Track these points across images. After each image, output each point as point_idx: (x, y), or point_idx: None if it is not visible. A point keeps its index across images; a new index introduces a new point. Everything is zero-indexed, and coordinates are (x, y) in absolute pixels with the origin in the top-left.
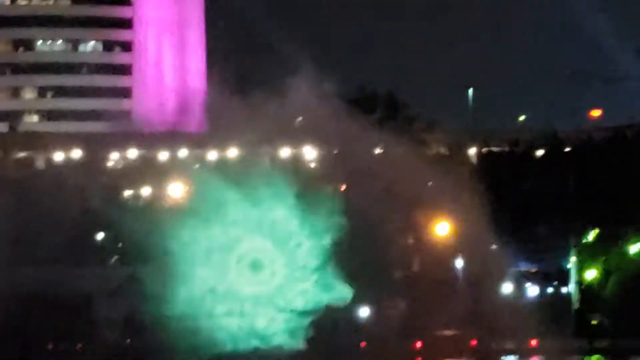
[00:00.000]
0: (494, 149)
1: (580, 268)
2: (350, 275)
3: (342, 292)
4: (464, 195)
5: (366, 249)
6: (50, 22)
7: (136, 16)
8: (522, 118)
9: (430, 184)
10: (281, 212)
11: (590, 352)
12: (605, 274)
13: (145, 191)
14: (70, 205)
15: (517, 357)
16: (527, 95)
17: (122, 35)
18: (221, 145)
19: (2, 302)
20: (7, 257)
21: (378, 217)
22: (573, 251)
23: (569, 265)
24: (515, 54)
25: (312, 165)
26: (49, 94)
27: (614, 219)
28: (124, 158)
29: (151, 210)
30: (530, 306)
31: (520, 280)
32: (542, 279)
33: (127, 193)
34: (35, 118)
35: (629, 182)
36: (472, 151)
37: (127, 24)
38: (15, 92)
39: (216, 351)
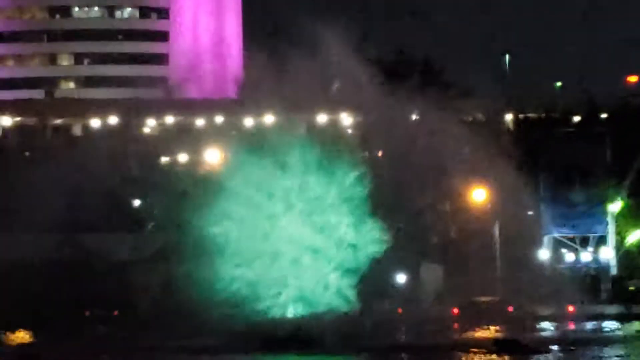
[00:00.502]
0: (531, 115)
1: (618, 234)
2: (388, 241)
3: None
4: (500, 161)
5: (403, 215)
6: None
7: None
8: (558, 84)
9: (466, 150)
10: (317, 178)
11: (628, 318)
12: None
13: (182, 158)
14: (107, 172)
15: (553, 323)
16: (563, 61)
17: (158, 1)
18: (257, 111)
19: (40, 268)
20: (43, 224)
21: (415, 184)
22: (610, 217)
23: (606, 232)
24: (552, 19)
25: (349, 131)
26: (85, 61)
27: None
28: (160, 124)
29: (187, 176)
30: (566, 272)
31: (556, 246)
32: (579, 245)
33: (164, 159)
34: (71, 85)
35: None
36: (509, 117)
37: None
38: (52, 59)
39: (254, 317)
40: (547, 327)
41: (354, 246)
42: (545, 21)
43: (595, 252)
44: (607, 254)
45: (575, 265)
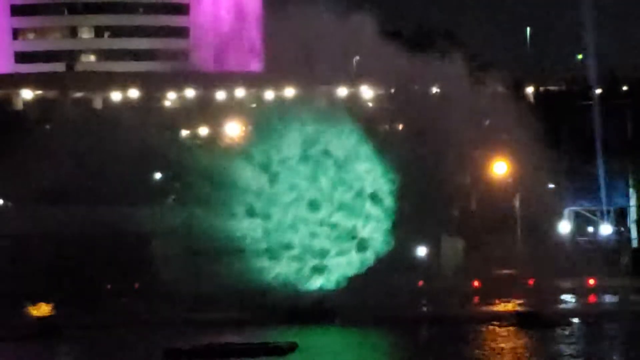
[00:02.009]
0: (551, 87)
1: (639, 207)
2: (408, 214)
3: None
4: (521, 134)
5: (424, 187)
6: None
7: None
8: (579, 57)
9: (487, 122)
10: (338, 150)
11: None
12: None
13: (203, 131)
14: (128, 145)
15: (574, 295)
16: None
17: None
18: (278, 84)
19: (61, 242)
20: (64, 197)
21: (436, 156)
22: (632, 190)
23: (627, 204)
24: None
25: (370, 104)
26: (106, 34)
27: None
28: (181, 98)
29: (208, 149)
30: (587, 245)
31: (577, 219)
32: (600, 218)
33: (185, 133)
34: (92, 58)
35: None
36: (530, 90)
37: None
38: (73, 32)
39: (278, 289)
40: (568, 299)
41: (374, 218)
42: None
43: (616, 224)
44: (628, 226)
45: (596, 238)
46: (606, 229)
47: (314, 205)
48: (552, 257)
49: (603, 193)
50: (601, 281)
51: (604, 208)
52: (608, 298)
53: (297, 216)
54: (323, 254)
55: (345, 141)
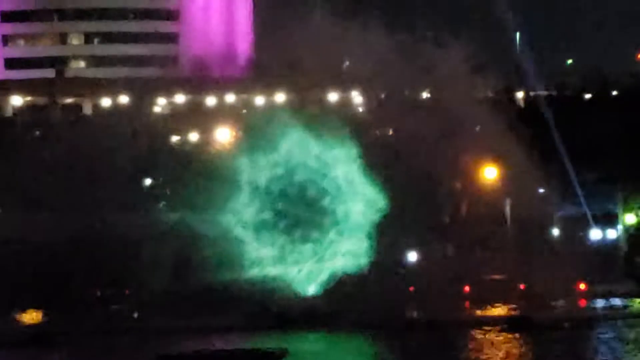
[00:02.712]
0: (542, 92)
1: (629, 212)
2: (399, 219)
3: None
4: (511, 139)
5: (414, 193)
6: None
7: None
8: (569, 62)
9: (477, 128)
10: (328, 155)
11: (639, 295)
12: None
13: (193, 136)
14: (118, 151)
15: (565, 300)
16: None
17: None
18: (268, 90)
19: (50, 248)
20: (53, 203)
21: (426, 161)
22: (621, 196)
23: (616, 210)
24: None
25: (360, 109)
26: (95, 40)
27: None
28: (171, 103)
29: (199, 155)
30: (578, 250)
31: (567, 224)
32: (590, 223)
33: (175, 138)
34: (82, 64)
35: None
36: (520, 95)
37: None
38: (63, 38)
39: (268, 295)
40: (559, 304)
41: (364, 222)
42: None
43: (606, 230)
44: (618, 232)
45: (586, 243)
46: (596, 234)
47: (304, 209)
48: (543, 261)
49: (593, 198)
50: (591, 285)
51: (594, 213)
52: (599, 302)
53: (286, 222)
54: (313, 259)
55: (334, 146)
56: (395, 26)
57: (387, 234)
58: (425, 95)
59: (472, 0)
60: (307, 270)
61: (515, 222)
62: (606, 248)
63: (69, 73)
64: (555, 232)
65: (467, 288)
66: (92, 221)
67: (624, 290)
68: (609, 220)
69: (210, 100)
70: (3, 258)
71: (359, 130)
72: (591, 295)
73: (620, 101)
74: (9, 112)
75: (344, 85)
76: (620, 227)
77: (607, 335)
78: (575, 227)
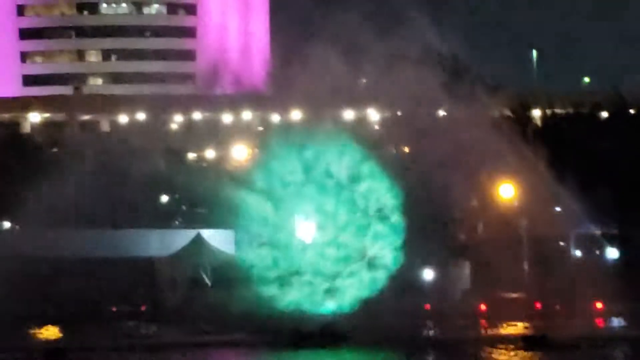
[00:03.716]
0: (558, 110)
1: None
2: (415, 237)
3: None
4: (528, 157)
5: (431, 211)
6: None
7: None
8: (586, 80)
9: (494, 146)
10: (345, 174)
11: None
12: None
13: (209, 153)
14: (135, 167)
15: (581, 319)
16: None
17: None
18: (285, 107)
19: (67, 264)
20: (70, 220)
21: (442, 180)
22: (637, 214)
23: (633, 229)
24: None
25: (376, 127)
26: (113, 57)
27: None
28: (187, 120)
29: (215, 172)
30: (595, 268)
31: (584, 242)
32: (608, 241)
33: (191, 155)
34: (99, 81)
35: None
36: (536, 113)
37: None
38: (80, 55)
39: (283, 312)
40: (575, 323)
41: (381, 239)
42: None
43: (624, 248)
44: (634, 250)
45: (604, 261)
46: (612, 253)
47: (321, 228)
48: (559, 280)
49: (610, 217)
50: (608, 304)
51: (612, 231)
52: (616, 322)
53: (303, 240)
54: (333, 276)
55: (351, 164)
56: (412, 44)
57: (405, 251)
58: (441, 113)
59: (489, 19)
60: (324, 287)
61: (532, 241)
62: (622, 267)
63: (87, 90)
64: (572, 250)
65: (483, 306)
66: (109, 237)
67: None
68: (625, 239)
69: (227, 117)
70: (20, 274)
71: (375, 147)
72: (608, 314)
73: (638, 120)
74: (27, 129)
75: (360, 103)
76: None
77: (622, 355)
78: (592, 245)
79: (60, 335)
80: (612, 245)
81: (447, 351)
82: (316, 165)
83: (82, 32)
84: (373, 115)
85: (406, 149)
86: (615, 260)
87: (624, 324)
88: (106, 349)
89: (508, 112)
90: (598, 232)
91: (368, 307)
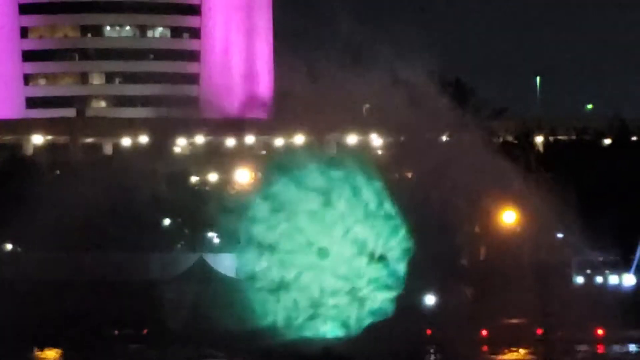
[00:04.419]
0: (561, 137)
1: None
2: (417, 262)
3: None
4: (531, 183)
5: (432, 236)
6: (119, 8)
7: (204, 2)
8: (589, 106)
9: (496, 171)
10: (348, 198)
11: None
12: None
13: (212, 177)
14: (137, 191)
15: (583, 345)
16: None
17: (190, 21)
18: (288, 131)
19: (69, 287)
20: (73, 243)
21: (444, 205)
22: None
23: (635, 256)
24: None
25: (379, 152)
26: (116, 80)
27: None
28: (191, 144)
29: (218, 196)
30: (596, 295)
31: (587, 269)
32: (610, 268)
33: (194, 179)
34: (102, 103)
35: None
36: (539, 139)
37: (195, 10)
38: (84, 78)
39: (286, 336)
40: (577, 349)
41: (384, 260)
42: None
43: (624, 275)
44: (636, 277)
45: (605, 288)
46: (614, 279)
47: (322, 254)
48: (562, 306)
49: (613, 243)
50: (610, 331)
51: (614, 258)
52: (617, 348)
53: (305, 265)
54: (336, 297)
55: (353, 190)
56: (416, 68)
57: (406, 277)
58: (444, 138)
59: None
60: (327, 312)
61: (534, 267)
62: (624, 294)
63: (90, 112)
64: (575, 276)
65: (484, 332)
66: (111, 260)
67: None
68: (627, 265)
69: (230, 141)
70: (22, 296)
71: (378, 172)
72: (609, 341)
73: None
74: (29, 151)
75: (363, 127)
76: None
77: None
78: (594, 272)
79: (62, 357)
80: (613, 271)
81: None
82: (320, 191)
83: (85, 54)
84: (376, 140)
85: (409, 174)
86: (617, 287)
87: (626, 350)
88: None
89: (511, 138)
90: (600, 258)
91: (370, 332)
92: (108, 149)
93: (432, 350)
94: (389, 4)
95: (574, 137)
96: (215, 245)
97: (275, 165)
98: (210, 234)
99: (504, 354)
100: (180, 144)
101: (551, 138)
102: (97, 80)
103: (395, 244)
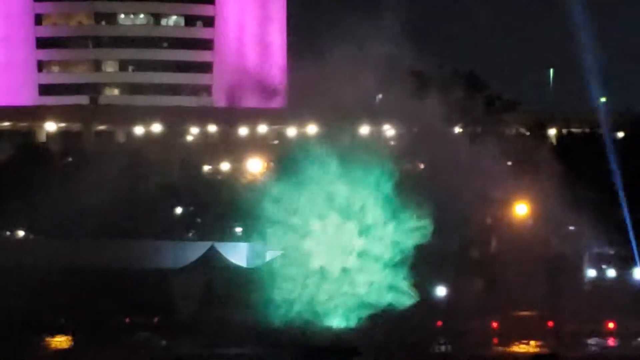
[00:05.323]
0: (574, 130)
1: None
2: (428, 254)
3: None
4: (543, 175)
5: (444, 228)
6: None
7: None
8: (603, 99)
9: (509, 163)
10: (360, 188)
11: None
12: None
13: (224, 166)
14: (150, 179)
15: (594, 339)
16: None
17: (204, 9)
18: (300, 121)
19: (80, 274)
20: (84, 230)
21: (456, 197)
22: None
23: None
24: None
25: (392, 142)
26: (130, 68)
27: None
28: (203, 133)
29: (230, 185)
30: (607, 288)
31: (598, 261)
32: (621, 262)
33: (206, 168)
34: (116, 91)
35: None
36: (552, 132)
37: None
38: (97, 66)
39: (298, 326)
40: (588, 342)
41: (396, 251)
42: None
43: (636, 268)
44: None
45: (617, 281)
46: (627, 272)
47: (335, 243)
48: (573, 299)
49: (624, 237)
50: (621, 324)
51: (626, 251)
52: (628, 342)
53: (317, 254)
54: (344, 291)
55: (364, 179)
56: (429, 60)
57: (417, 268)
58: (457, 130)
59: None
60: (338, 302)
61: (545, 259)
62: (636, 287)
63: (103, 100)
64: (587, 269)
65: (495, 324)
66: (122, 248)
67: None
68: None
69: (243, 130)
70: (34, 283)
71: (390, 163)
72: (621, 334)
73: None
74: (42, 138)
75: (375, 118)
76: None
77: None
78: (606, 266)
79: (72, 344)
80: (611, 264)
81: None
82: (332, 181)
83: (99, 42)
84: (389, 130)
85: (421, 165)
86: (615, 279)
87: (638, 344)
88: (118, 358)
89: (524, 130)
90: (611, 252)
91: (379, 323)
92: (121, 137)
93: (442, 342)
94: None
95: (587, 130)
96: (228, 234)
97: (285, 155)
98: (224, 223)
99: (514, 345)
100: (193, 133)
101: (564, 131)
102: (110, 67)
103: (407, 235)
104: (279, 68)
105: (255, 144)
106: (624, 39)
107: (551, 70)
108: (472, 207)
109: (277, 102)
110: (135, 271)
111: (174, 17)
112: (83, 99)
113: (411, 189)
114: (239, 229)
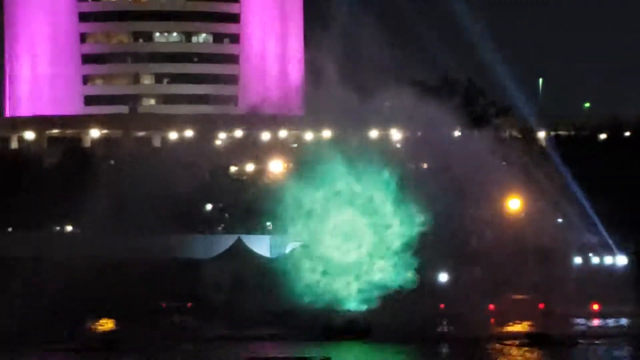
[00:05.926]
0: (562, 132)
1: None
2: (432, 244)
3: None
4: (534, 173)
5: (445, 221)
6: (167, 16)
7: (243, 11)
8: (587, 105)
9: (503, 163)
10: (370, 186)
11: None
12: None
13: (249, 167)
14: (183, 179)
15: (581, 319)
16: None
17: (230, 28)
18: (317, 126)
19: (122, 266)
20: (127, 226)
21: (457, 192)
22: (631, 225)
23: (627, 238)
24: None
25: (398, 145)
26: (165, 80)
27: None
28: (230, 137)
29: (254, 184)
30: (592, 274)
31: (584, 250)
32: (603, 249)
33: (233, 168)
34: (152, 101)
35: None
36: (542, 134)
37: (235, 18)
38: (135, 79)
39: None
40: (575, 322)
41: (403, 243)
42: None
43: (617, 255)
44: (628, 257)
45: (601, 267)
46: (608, 260)
47: (348, 235)
48: (562, 284)
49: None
50: (606, 306)
51: (609, 241)
52: (611, 322)
53: (332, 244)
54: (358, 277)
55: (375, 179)
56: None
57: (422, 257)
58: (457, 133)
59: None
60: (352, 287)
61: (536, 248)
62: (617, 273)
63: (141, 109)
64: (572, 257)
65: (491, 306)
66: (159, 242)
67: (632, 311)
68: (620, 247)
69: (265, 135)
70: (82, 272)
71: (396, 163)
72: (605, 314)
73: (632, 141)
74: (87, 143)
75: (384, 123)
76: (631, 254)
77: (617, 351)
78: (590, 253)
79: (115, 327)
80: (608, 252)
81: (460, 346)
82: (346, 180)
83: (137, 57)
84: (395, 134)
85: (425, 165)
86: (611, 266)
87: (616, 324)
88: (155, 339)
89: (516, 133)
90: (595, 241)
91: (389, 306)
92: (157, 142)
93: (444, 322)
94: (415, 9)
95: (572, 133)
96: (254, 228)
97: (306, 156)
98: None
99: (509, 325)
100: (221, 138)
101: (552, 133)
102: (147, 80)
103: (412, 228)
104: (297, 79)
105: (276, 147)
106: (604, 48)
107: (540, 80)
108: (471, 202)
109: (296, 110)
110: (171, 261)
111: (204, 35)
112: (123, 109)
113: (416, 186)
114: (268, 223)
